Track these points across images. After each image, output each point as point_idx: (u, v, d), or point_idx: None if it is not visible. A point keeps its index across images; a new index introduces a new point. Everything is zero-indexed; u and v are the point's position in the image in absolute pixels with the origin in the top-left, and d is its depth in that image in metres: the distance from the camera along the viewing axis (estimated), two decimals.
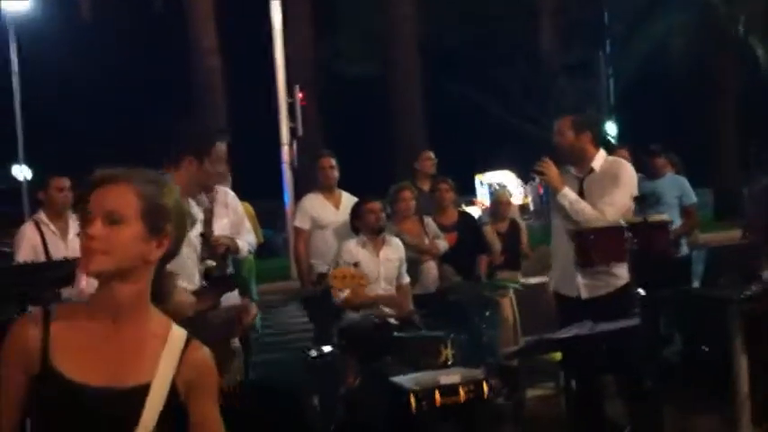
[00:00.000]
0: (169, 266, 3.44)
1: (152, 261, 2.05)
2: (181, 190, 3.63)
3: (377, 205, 6.29)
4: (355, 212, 6.47)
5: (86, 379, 1.99)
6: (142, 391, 2.02)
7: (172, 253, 2.10)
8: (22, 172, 19.90)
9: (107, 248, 1.98)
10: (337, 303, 5.99)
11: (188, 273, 3.67)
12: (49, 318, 2.03)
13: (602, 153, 5.28)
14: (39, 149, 20.11)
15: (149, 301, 2.09)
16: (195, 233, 3.83)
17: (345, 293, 5.67)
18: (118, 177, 2.04)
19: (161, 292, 2.10)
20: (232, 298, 4.49)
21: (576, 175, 5.23)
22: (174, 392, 2.06)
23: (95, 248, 1.98)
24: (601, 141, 5.41)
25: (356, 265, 5.90)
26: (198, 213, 3.89)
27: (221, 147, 3.90)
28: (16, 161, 20.47)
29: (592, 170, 5.22)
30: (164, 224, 2.05)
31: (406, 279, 6.41)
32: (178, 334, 2.11)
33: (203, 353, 2.14)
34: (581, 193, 5.18)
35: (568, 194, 5.11)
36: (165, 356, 2.06)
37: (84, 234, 2.01)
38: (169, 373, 2.05)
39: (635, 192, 5.23)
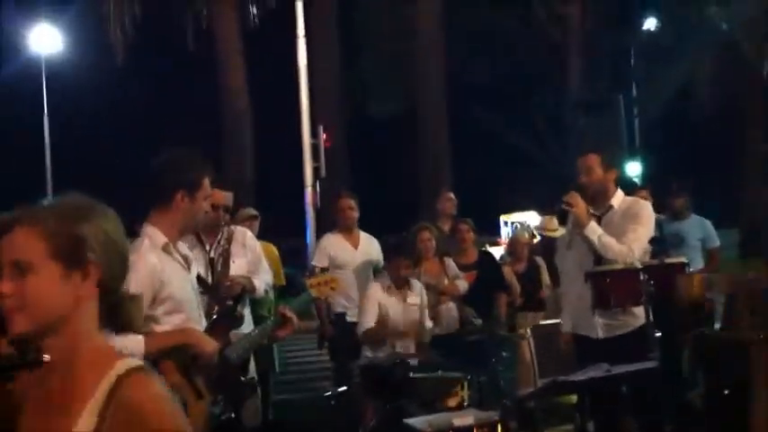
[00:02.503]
0: (170, 307, 3.46)
1: (84, 297, 1.81)
2: (177, 231, 3.65)
3: (404, 262, 6.28)
4: (386, 260, 6.49)
5: None
6: None
7: (114, 277, 1.86)
8: None
9: (23, 305, 1.77)
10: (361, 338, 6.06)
11: (193, 315, 3.66)
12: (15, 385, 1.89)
13: (620, 192, 5.28)
14: (68, 189, 20.30)
15: (87, 344, 1.83)
16: (193, 275, 3.81)
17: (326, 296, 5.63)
18: (14, 221, 1.82)
19: (125, 322, 1.89)
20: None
21: (593, 213, 5.22)
22: None
23: (10, 307, 1.77)
24: (620, 181, 5.42)
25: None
26: (189, 254, 3.81)
27: (207, 182, 3.75)
28: (45, 198, 20.72)
29: (610, 207, 5.20)
30: (82, 253, 1.80)
31: (429, 323, 6.42)
32: (119, 369, 1.80)
33: (142, 390, 1.78)
34: None
35: (596, 229, 5.08)
36: (90, 405, 1.78)
37: None
38: (93, 419, 1.76)
39: (653, 232, 5.21)
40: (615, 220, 5.17)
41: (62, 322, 1.79)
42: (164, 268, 3.48)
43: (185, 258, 3.70)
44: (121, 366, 1.81)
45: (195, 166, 3.67)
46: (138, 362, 1.85)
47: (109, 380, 1.78)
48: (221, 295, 4.78)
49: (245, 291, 4.94)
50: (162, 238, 3.54)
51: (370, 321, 6.16)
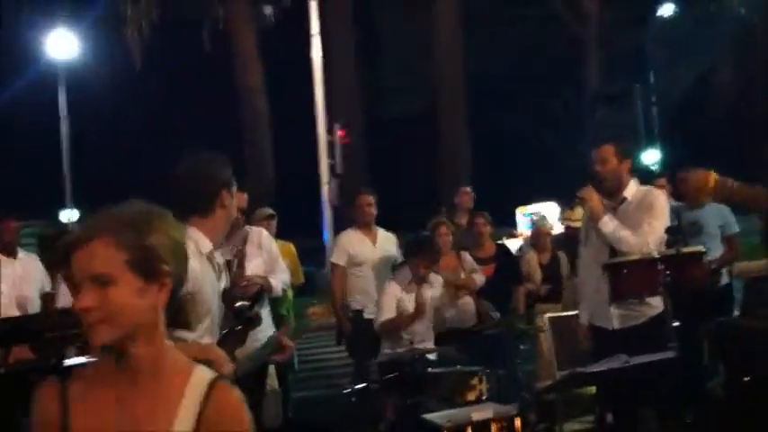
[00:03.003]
0: (200, 314, 3.42)
1: (160, 307, 1.90)
2: (219, 234, 3.62)
3: (426, 263, 6.30)
4: (407, 254, 6.50)
5: None
6: None
7: (181, 282, 1.95)
8: (69, 217, 20.24)
9: (106, 317, 1.82)
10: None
11: (214, 325, 3.63)
12: (65, 386, 1.91)
13: (634, 182, 5.26)
14: (86, 195, 20.50)
15: (166, 349, 1.94)
16: (222, 285, 3.75)
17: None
18: (91, 234, 1.85)
19: (185, 320, 2.02)
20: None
21: (609, 204, 5.21)
22: None
23: (95, 320, 1.82)
24: (638, 170, 5.39)
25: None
26: (222, 262, 3.76)
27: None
28: (63, 207, 20.81)
29: (624, 199, 5.19)
30: (158, 266, 1.88)
31: (450, 312, 6.46)
32: (201, 377, 1.94)
33: (231, 396, 1.94)
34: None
35: (610, 222, 5.07)
36: (184, 407, 1.89)
37: (77, 309, 1.84)
38: (191, 421, 1.88)
39: (668, 222, 5.18)
40: (630, 212, 5.15)
41: (141, 330, 1.87)
42: (204, 276, 3.42)
43: (220, 267, 3.65)
44: (205, 373, 1.94)
45: (228, 163, 3.63)
46: (210, 371, 1.97)
47: (199, 384, 1.91)
48: (236, 295, 4.78)
49: (262, 290, 4.96)
50: (208, 245, 3.44)
51: (387, 315, 6.18)
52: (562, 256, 8.27)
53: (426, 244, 6.48)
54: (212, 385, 1.92)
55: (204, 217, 3.47)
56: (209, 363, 3.36)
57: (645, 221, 5.03)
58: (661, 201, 5.21)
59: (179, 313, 2.00)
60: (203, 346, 3.41)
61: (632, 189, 5.22)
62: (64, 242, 1.88)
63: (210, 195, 3.50)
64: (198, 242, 3.39)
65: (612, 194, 5.22)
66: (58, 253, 1.88)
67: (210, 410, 1.89)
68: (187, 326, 2.01)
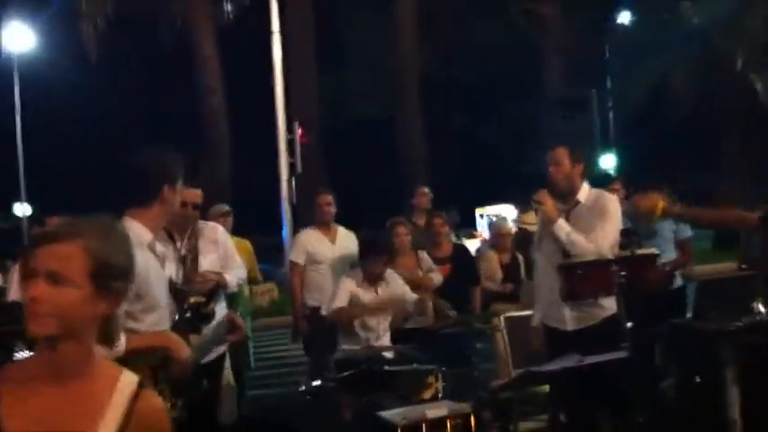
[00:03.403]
0: (148, 304, 3.44)
1: (100, 317, 1.95)
2: (158, 226, 3.65)
3: (381, 260, 6.34)
4: (362, 253, 6.50)
5: None
6: None
7: (118, 305, 2.01)
8: (23, 210, 19.97)
9: (52, 311, 1.87)
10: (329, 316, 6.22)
11: (164, 314, 3.63)
12: None
13: (586, 186, 5.33)
14: (40, 188, 20.24)
15: (96, 352, 1.98)
16: (167, 273, 3.79)
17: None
18: (64, 235, 1.92)
19: (107, 336, 2.00)
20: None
21: (562, 208, 5.27)
22: None
23: (40, 312, 1.87)
24: (590, 175, 5.46)
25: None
26: (164, 251, 3.80)
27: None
28: (18, 199, 20.55)
29: (578, 203, 5.26)
30: (113, 283, 1.95)
31: (412, 296, 6.47)
32: (127, 383, 1.99)
33: (154, 405, 2.01)
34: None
35: (564, 226, 5.14)
36: (110, 413, 1.94)
37: (26, 296, 1.89)
38: (113, 429, 1.93)
39: (621, 225, 5.26)
40: (583, 214, 5.22)
41: (80, 333, 1.92)
42: (147, 266, 3.45)
43: (163, 255, 3.69)
44: (129, 379, 1.99)
45: (177, 161, 3.70)
46: (136, 376, 2.02)
47: (122, 392, 1.96)
48: (190, 290, 4.75)
49: (217, 286, 4.93)
50: (147, 235, 3.53)
51: (338, 304, 6.22)
52: (520, 257, 8.32)
53: (380, 242, 6.50)
54: (138, 391, 1.97)
55: (144, 208, 3.55)
56: (165, 348, 3.38)
57: (598, 226, 5.10)
58: (613, 205, 5.29)
59: (106, 327, 2.00)
60: (158, 333, 3.42)
61: (585, 192, 5.30)
62: (36, 234, 1.95)
63: (152, 189, 3.58)
64: (137, 234, 3.44)
65: (566, 197, 5.30)
66: (31, 240, 1.93)
67: (135, 415, 1.95)
68: (108, 341, 2.03)
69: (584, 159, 5.38)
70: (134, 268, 2.04)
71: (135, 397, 1.97)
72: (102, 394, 1.95)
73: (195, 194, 5.12)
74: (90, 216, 2.03)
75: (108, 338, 2.00)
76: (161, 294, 3.59)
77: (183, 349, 3.41)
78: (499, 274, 8.01)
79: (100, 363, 1.99)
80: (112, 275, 1.93)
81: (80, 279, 1.89)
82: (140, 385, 2.00)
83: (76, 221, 1.97)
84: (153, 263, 3.54)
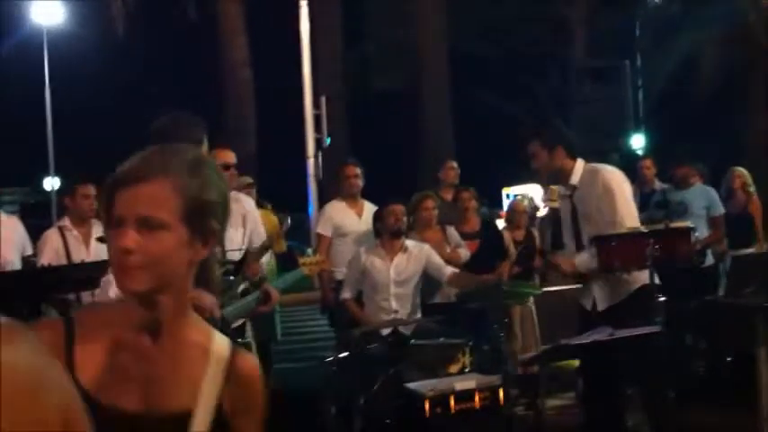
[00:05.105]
0: None
1: (196, 263, 1.75)
2: None
3: (399, 208, 6.31)
4: (377, 215, 6.51)
5: (120, 403, 1.68)
6: (185, 418, 1.72)
7: (222, 240, 1.85)
8: (51, 184, 20.11)
9: (148, 262, 1.65)
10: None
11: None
12: (72, 328, 1.71)
13: (579, 164, 5.12)
14: (69, 162, 20.35)
15: (190, 309, 1.80)
16: None
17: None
18: (151, 172, 1.67)
19: (208, 280, 1.82)
20: None
21: (565, 194, 5.16)
22: (220, 417, 1.76)
23: (134, 264, 1.65)
24: (576, 150, 5.16)
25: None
26: None
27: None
28: (47, 174, 20.69)
29: (574, 187, 5.10)
30: (209, 222, 1.73)
31: (448, 270, 6.38)
32: (222, 345, 1.82)
33: (251, 365, 1.85)
34: (574, 210, 5.11)
35: (582, 264, 4.99)
36: (210, 374, 1.76)
37: (116, 247, 1.65)
38: (214, 395, 1.75)
39: (630, 196, 5.14)
40: (585, 197, 5.06)
41: (176, 284, 1.72)
42: None
43: None
44: (222, 338, 1.83)
45: (198, 123, 3.66)
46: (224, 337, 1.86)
47: (219, 351, 1.79)
48: (244, 275, 4.71)
49: (262, 280, 4.88)
50: None
51: (347, 295, 6.34)
52: (536, 233, 8.21)
53: (395, 199, 6.44)
54: (234, 354, 1.81)
55: None
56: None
57: (610, 210, 4.93)
58: (614, 179, 5.06)
59: (203, 272, 1.81)
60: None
61: (579, 171, 5.09)
62: (118, 174, 1.69)
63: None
64: None
65: (563, 182, 5.16)
66: (113, 182, 1.68)
67: (234, 383, 1.78)
68: (208, 285, 1.88)
69: (560, 140, 5.12)
70: (228, 203, 1.81)
71: (232, 360, 1.79)
72: (199, 352, 1.77)
73: (226, 154, 5.02)
74: (173, 147, 1.80)
75: (209, 283, 1.83)
76: None
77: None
78: (513, 252, 7.91)
79: (194, 319, 1.82)
80: (208, 214, 1.71)
81: (175, 221, 1.66)
82: (237, 348, 1.84)
83: (163, 154, 1.73)
84: None
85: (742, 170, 9.01)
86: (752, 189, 8.91)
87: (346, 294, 6.42)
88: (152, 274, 1.66)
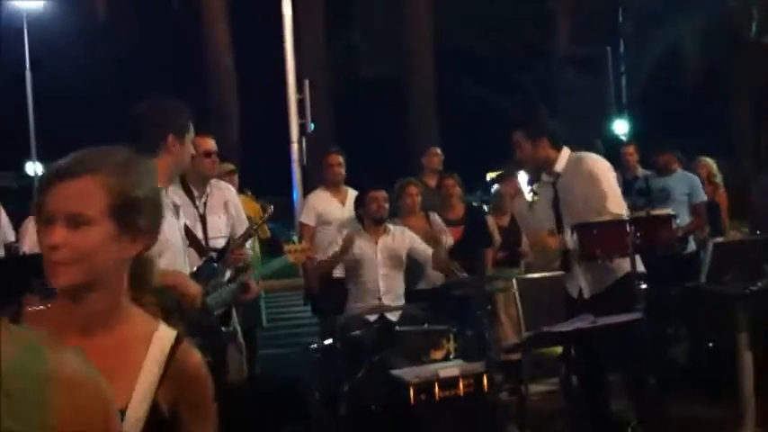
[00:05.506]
0: (158, 249, 3.42)
1: (127, 259, 1.78)
2: (167, 177, 3.62)
3: (381, 194, 6.32)
4: (359, 201, 6.52)
5: None
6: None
7: (148, 245, 1.83)
8: (34, 168, 19.99)
9: (74, 258, 1.69)
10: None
11: (179, 261, 3.62)
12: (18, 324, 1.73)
13: (564, 153, 5.18)
14: (51, 147, 20.21)
15: (127, 301, 1.81)
16: (181, 222, 3.78)
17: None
18: (78, 169, 1.71)
19: (141, 280, 1.85)
20: None
21: (548, 181, 5.21)
22: (156, 415, 1.75)
23: (61, 260, 1.69)
24: (560, 141, 5.24)
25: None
26: (178, 201, 3.78)
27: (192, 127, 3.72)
28: (29, 158, 20.57)
29: (558, 175, 5.15)
30: (137, 219, 1.76)
31: (430, 251, 6.40)
32: (164, 336, 1.81)
33: (194, 360, 1.83)
34: (556, 197, 5.15)
35: (571, 240, 5.02)
36: (146, 371, 1.76)
37: (44, 244, 1.70)
38: (150, 388, 1.75)
39: (614, 181, 5.18)
40: (568, 183, 5.11)
41: (106, 280, 1.75)
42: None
43: (175, 205, 3.67)
44: (166, 333, 1.82)
45: (183, 110, 3.64)
46: (174, 330, 1.85)
47: (159, 346, 1.79)
48: (228, 262, 4.72)
49: (247, 265, 4.89)
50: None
51: (321, 257, 6.34)
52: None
53: (377, 186, 6.45)
54: (175, 347, 1.80)
55: (151, 158, 3.45)
56: (174, 286, 3.37)
57: (601, 196, 4.97)
58: (598, 165, 5.14)
59: (138, 269, 1.84)
60: (164, 271, 3.40)
61: (563, 161, 5.16)
62: (48, 172, 1.74)
63: (156, 137, 3.53)
64: None
65: (546, 171, 5.22)
66: (43, 180, 1.74)
67: (173, 371, 1.78)
68: (144, 283, 1.89)
69: (544, 132, 5.21)
70: (161, 202, 1.86)
71: (173, 352, 1.79)
72: (136, 348, 1.78)
73: (206, 142, 5.03)
74: (105, 148, 1.81)
75: (142, 283, 1.85)
76: (173, 240, 3.56)
77: (190, 285, 3.40)
78: (497, 238, 7.91)
79: (133, 314, 1.82)
80: (135, 211, 1.74)
81: (101, 217, 1.70)
82: (178, 339, 1.82)
83: (93, 154, 1.76)
84: (166, 212, 3.50)
85: (708, 160, 9.10)
86: (718, 179, 9.00)
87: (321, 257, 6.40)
88: (79, 270, 1.70)
